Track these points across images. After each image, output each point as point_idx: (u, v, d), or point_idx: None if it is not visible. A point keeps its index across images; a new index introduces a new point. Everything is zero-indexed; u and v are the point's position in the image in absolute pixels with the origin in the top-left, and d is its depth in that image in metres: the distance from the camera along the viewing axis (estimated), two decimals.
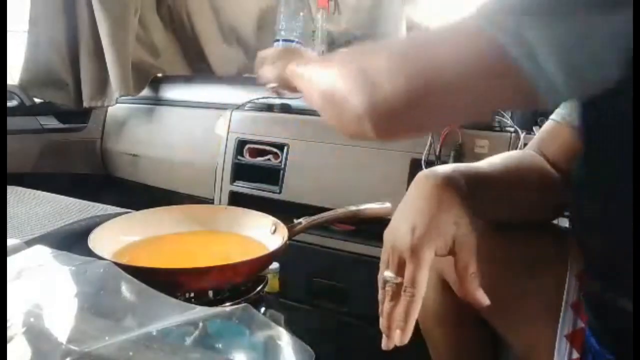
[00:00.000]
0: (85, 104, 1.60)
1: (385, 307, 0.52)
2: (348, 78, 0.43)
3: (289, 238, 0.77)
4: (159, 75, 1.71)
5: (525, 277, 0.62)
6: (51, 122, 1.62)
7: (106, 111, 1.74)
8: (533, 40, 0.34)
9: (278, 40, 1.65)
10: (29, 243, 0.70)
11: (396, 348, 0.50)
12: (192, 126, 1.53)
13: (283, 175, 1.22)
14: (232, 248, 0.81)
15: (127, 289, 0.53)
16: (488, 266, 0.55)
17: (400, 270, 0.51)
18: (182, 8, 1.80)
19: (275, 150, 1.24)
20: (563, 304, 0.59)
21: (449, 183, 0.52)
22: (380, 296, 0.54)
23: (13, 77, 1.55)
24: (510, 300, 0.62)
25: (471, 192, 0.53)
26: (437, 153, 1.04)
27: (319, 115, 0.51)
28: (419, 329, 0.75)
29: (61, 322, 0.45)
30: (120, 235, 0.78)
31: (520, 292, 0.62)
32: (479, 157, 1.03)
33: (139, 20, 1.60)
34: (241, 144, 1.30)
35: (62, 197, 1.05)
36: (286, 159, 1.22)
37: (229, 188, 1.30)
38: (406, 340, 0.50)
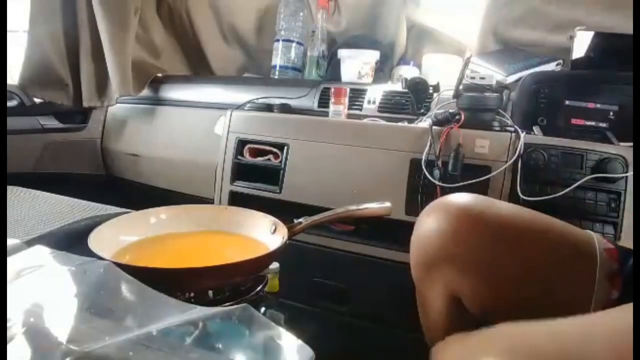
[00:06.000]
0: (85, 104, 1.60)
1: None
2: None
3: (289, 238, 0.77)
4: (159, 75, 1.72)
5: (550, 281, 0.60)
6: (51, 122, 1.62)
7: (106, 111, 1.74)
8: None
9: (278, 40, 1.66)
10: (29, 243, 0.70)
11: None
12: (192, 126, 1.54)
13: (283, 175, 1.22)
14: (232, 248, 0.81)
15: (127, 289, 0.53)
16: (508, 276, 0.54)
17: None
18: (182, 8, 1.80)
19: (275, 150, 1.24)
20: (592, 307, 0.58)
21: None
22: None
23: (13, 77, 1.55)
24: (533, 309, 0.60)
25: None
26: (437, 153, 1.04)
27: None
28: (421, 330, 0.75)
29: (61, 322, 0.45)
30: (120, 235, 0.78)
31: (543, 299, 0.60)
32: (479, 157, 1.04)
33: (139, 20, 1.60)
34: (241, 144, 1.30)
35: (62, 197, 1.04)
36: (286, 159, 1.22)
37: (229, 188, 1.30)
38: None
